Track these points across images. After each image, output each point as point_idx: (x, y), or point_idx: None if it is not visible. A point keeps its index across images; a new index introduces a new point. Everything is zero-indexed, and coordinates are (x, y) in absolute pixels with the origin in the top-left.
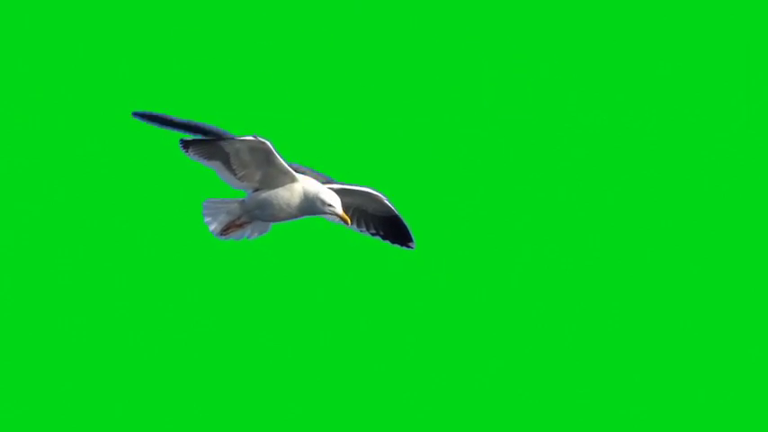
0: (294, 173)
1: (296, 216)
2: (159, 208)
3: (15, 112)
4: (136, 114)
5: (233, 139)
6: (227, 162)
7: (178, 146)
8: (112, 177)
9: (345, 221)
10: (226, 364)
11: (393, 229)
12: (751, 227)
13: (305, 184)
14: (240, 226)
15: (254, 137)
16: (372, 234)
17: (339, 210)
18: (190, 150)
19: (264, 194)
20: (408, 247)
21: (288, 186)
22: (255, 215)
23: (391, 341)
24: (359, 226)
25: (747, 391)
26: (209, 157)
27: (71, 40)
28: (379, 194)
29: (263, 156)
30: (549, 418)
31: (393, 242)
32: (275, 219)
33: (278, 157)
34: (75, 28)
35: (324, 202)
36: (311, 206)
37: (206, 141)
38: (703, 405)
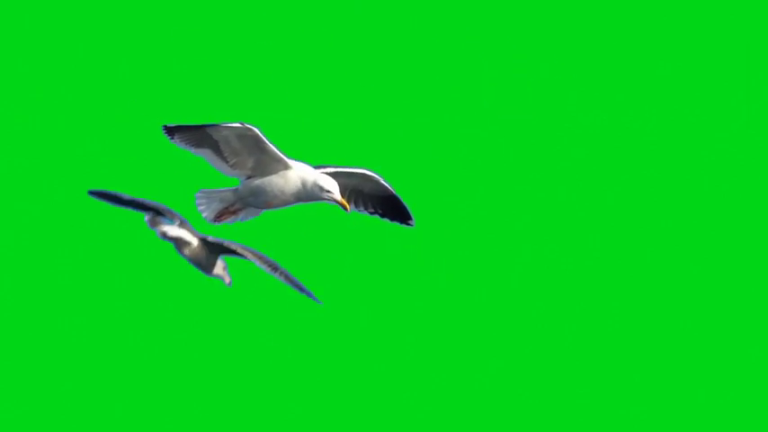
0: (287, 159)
1: (291, 203)
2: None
3: (15, 112)
4: (91, 193)
5: (218, 125)
6: (216, 149)
7: (162, 133)
8: (102, 171)
9: (344, 207)
10: (223, 353)
11: (391, 208)
12: (751, 227)
13: (300, 171)
14: (234, 213)
15: (240, 124)
16: (371, 213)
17: (338, 195)
18: (176, 137)
19: (258, 182)
20: (408, 224)
21: (282, 173)
22: (249, 202)
23: (391, 322)
24: (356, 206)
25: (747, 391)
26: (197, 144)
27: (71, 39)
28: (375, 175)
29: (252, 142)
30: (551, 403)
31: (392, 220)
32: (269, 206)
33: (268, 143)
34: (75, 27)
35: (322, 189)
36: (308, 193)
37: (192, 128)
38: (703, 405)
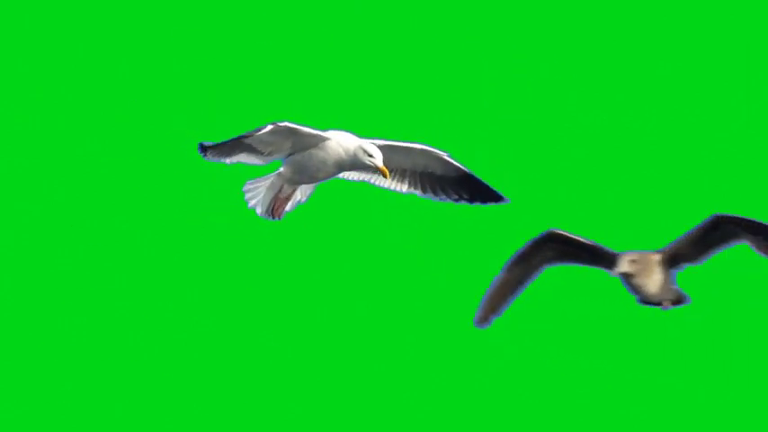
0: (324, 132)
1: (334, 174)
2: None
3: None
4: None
5: (253, 134)
6: (250, 151)
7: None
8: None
9: (384, 173)
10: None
11: (474, 189)
12: None
13: (340, 140)
14: (287, 198)
15: (273, 125)
16: (456, 200)
17: (380, 161)
18: (209, 154)
19: (298, 157)
20: (502, 201)
21: (321, 146)
22: (296, 181)
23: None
24: (435, 194)
25: (747, 391)
26: (230, 153)
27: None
28: (437, 150)
29: (286, 132)
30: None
31: (484, 202)
32: (315, 179)
33: (303, 128)
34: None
35: (366, 152)
36: (351, 159)
37: (228, 143)
38: (703, 405)
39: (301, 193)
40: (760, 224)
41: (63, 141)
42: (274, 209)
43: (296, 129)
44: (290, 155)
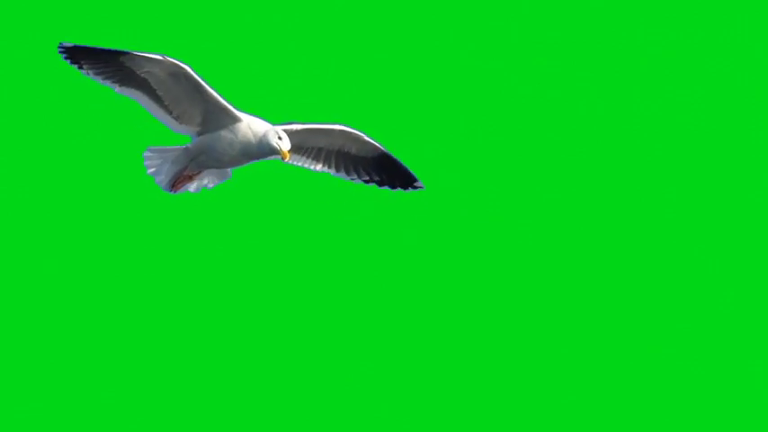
0: (237, 111)
1: (241, 160)
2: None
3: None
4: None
5: (133, 54)
6: (151, 93)
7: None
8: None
9: (284, 156)
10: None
11: (389, 172)
12: (751, 226)
13: (251, 123)
14: (191, 178)
15: (161, 56)
16: (367, 181)
17: (287, 146)
18: (84, 66)
19: (207, 137)
20: (416, 187)
21: (230, 127)
22: (202, 162)
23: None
24: (348, 173)
25: (747, 391)
26: (121, 81)
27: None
28: (354, 131)
29: (190, 86)
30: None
31: (395, 186)
32: (222, 164)
33: (208, 88)
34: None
35: (277, 134)
36: (258, 144)
37: (101, 52)
38: (703, 404)
39: (209, 179)
40: None
41: None
42: (175, 183)
43: (199, 83)
44: (200, 133)
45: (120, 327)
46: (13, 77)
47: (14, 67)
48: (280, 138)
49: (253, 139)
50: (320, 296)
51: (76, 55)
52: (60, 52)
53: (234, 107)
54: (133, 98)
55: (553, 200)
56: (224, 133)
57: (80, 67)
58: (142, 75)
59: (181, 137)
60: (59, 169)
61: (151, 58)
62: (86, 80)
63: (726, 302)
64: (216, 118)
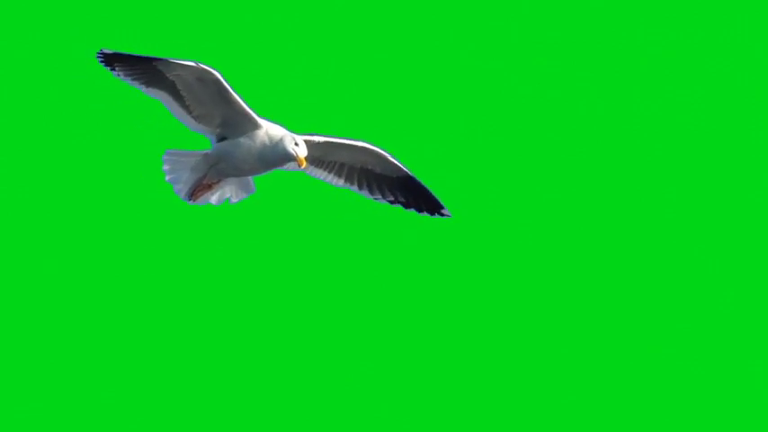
0: (257, 118)
1: (259, 168)
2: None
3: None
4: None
5: (168, 60)
6: (175, 94)
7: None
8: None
9: (300, 162)
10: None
11: (414, 194)
12: (751, 226)
13: (268, 128)
14: (210, 187)
15: (194, 63)
16: (392, 202)
17: (303, 152)
18: (117, 69)
19: (227, 143)
20: (442, 215)
21: (250, 134)
22: (222, 170)
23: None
24: (371, 192)
25: (747, 391)
26: (148, 82)
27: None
28: (378, 149)
29: (215, 90)
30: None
31: (421, 210)
32: (242, 172)
33: (233, 93)
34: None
35: (294, 140)
36: (273, 148)
37: (136, 59)
38: (702, 405)
39: (231, 192)
40: None
41: None
42: (194, 192)
43: (225, 89)
44: (219, 139)
45: (130, 335)
46: (24, 81)
47: (25, 71)
48: (296, 144)
49: (269, 144)
50: (338, 313)
51: (112, 60)
52: (98, 58)
53: (256, 114)
54: (157, 98)
55: (574, 225)
56: (243, 140)
57: (113, 70)
58: (171, 77)
59: (197, 138)
60: (75, 173)
61: (185, 65)
62: (99, 82)
63: (726, 302)
64: (236, 123)
